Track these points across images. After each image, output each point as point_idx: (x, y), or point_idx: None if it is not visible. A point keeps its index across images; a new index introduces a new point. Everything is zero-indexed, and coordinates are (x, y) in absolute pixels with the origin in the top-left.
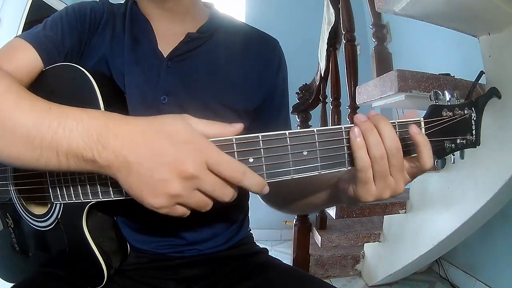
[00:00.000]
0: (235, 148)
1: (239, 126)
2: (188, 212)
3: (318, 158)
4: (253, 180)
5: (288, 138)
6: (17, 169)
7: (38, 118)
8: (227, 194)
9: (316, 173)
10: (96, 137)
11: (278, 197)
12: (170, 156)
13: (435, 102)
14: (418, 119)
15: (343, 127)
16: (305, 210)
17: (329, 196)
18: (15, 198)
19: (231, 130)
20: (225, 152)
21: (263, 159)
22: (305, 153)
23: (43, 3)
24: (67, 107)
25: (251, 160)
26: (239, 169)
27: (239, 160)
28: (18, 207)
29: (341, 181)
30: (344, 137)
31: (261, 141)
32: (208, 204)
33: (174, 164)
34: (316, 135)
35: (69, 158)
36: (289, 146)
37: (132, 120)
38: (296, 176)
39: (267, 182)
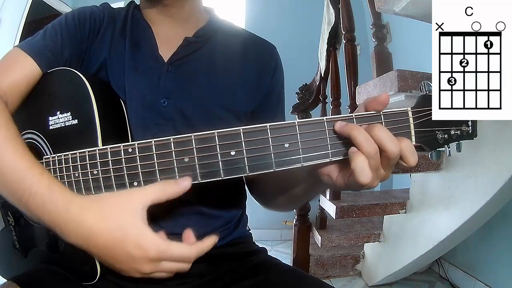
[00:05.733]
0: (217, 141)
1: (186, 183)
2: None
3: (300, 150)
4: (204, 251)
5: (268, 130)
6: None
7: (18, 178)
8: (185, 268)
9: (298, 165)
10: (59, 230)
11: (265, 190)
12: (125, 263)
13: (426, 93)
14: (405, 108)
15: (325, 119)
16: (291, 204)
17: (308, 186)
18: None
19: (181, 187)
20: (208, 146)
21: (244, 152)
22: (286, 145)
23: (43, 3)
24: (38, 174)
25: (232, 153)
26: (189, 258)
27: (221, 153)
28: None
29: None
30: (326, 128)
31: (241, 133)
32: (177, 271)
33: (132, 267)
34: (297, 126)
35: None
36: (270, 138)
37: (87, 215)
38: (278, 169)
39: (251, 175)
